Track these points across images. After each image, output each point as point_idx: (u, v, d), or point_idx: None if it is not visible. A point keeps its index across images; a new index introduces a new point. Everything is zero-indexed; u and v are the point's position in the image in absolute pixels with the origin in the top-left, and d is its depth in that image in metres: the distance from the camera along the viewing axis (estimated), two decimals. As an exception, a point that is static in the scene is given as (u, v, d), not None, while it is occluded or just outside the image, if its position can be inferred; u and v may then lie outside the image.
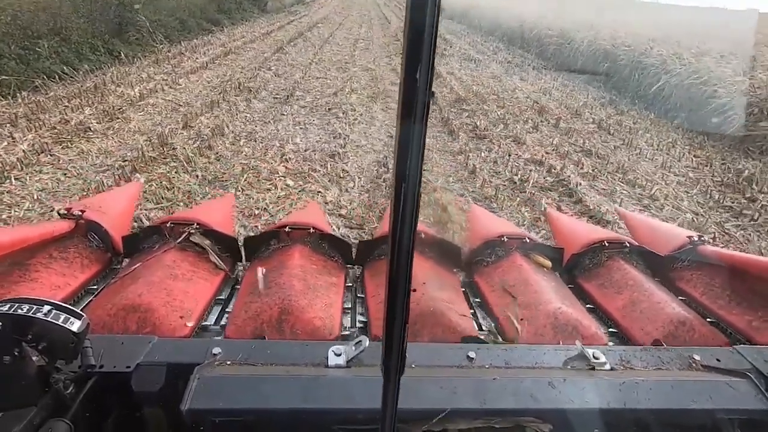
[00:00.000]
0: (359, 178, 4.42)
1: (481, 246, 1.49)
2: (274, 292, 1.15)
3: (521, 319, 1.18)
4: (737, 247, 3.88)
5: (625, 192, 4.67)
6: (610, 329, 1.26)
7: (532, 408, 0.79)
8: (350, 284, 1.40)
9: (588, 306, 1.35)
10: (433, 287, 1.23)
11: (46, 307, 0.72)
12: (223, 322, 1.18)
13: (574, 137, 6.14)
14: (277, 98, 6.89)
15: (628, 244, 1.49)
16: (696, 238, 1.48)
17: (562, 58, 11.79)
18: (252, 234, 2.23)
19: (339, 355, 0.86)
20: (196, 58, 9.04)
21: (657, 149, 5.95)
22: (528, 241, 1.50)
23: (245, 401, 0.76)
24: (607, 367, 0.91)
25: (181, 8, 12.08)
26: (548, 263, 1.46)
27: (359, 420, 0.73)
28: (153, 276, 1.17)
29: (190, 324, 1.09)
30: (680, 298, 1.35)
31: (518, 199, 4.26)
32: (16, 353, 0.70)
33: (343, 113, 6.31)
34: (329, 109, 6.56)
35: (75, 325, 0.73)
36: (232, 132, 5.34)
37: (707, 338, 1.15)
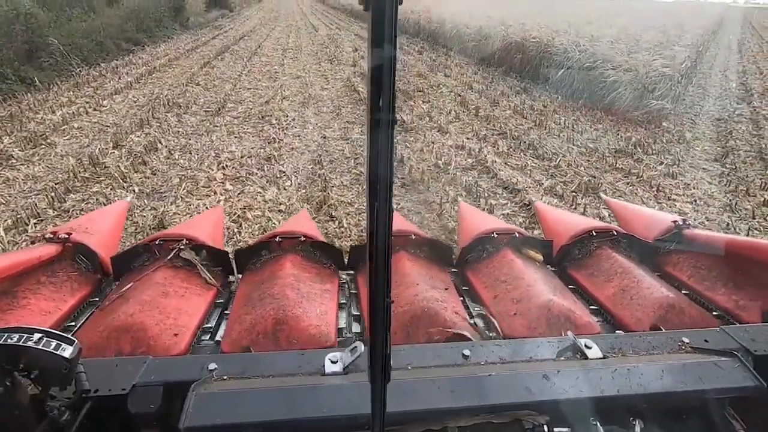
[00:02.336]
0: (295, 176, 4.70)
1: (472, 243, 1.49)
2: (267, 303, 1.14)
3: (514, 314, 1.20)
4: (638, 201, 4.58)
5: (534, 165, 5.30)
6: (602, 318, 1.28)
7: (528, 401, 0.80)
8: (344, 290, 1.39)
9: (579, 296, 1.36)
10: (426, 287, 1.24)
11: (37, 335, 0.71)
12: (218, 337, 1.17)
13: (492, 123, 6.78)
14: (208, 111, 6.98)
15: (615, 233, 1.52)
16: (681, 222, 1.50)
17: (481, 54, 12.70)
18: (243, 246, 2.29)
19: (335, 362, 0.86)
20: (119, 79, 8.85)
21: (563, 127, 6.73)
22: (518, 235, 1.51)
23: (243, 415, 0.76)
24: (600, 355, 0.92)
25: (97, 30, 11.65)
26: (540, 257, 1.47)
27: (358, 425, 0.73)
28: (144, 295, 1.16)
29: (185, 341, 1.08)
30: (669, 282, 1.36)
31: (443, 179, 4.73)
32: (8, 383, 0.69)
33: (276, 120, 6.53)
34: (262, 117, 6.76)
35: (67, 351, 0.72)
36: (166, 147, 5.41)
37: (696, 321, 1.17)
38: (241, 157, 5.16)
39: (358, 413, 0.72)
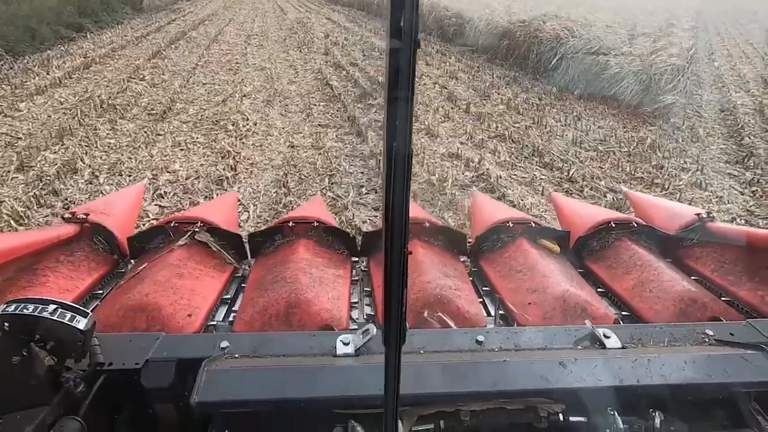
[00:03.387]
0: (254, 206, 3.71)
1: (487, 232, 1.47)
2: (280, 287, 1.14)
3: (529, 303, 1.17)
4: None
5: (544, 177, 4.47)
6: (621, 310, 1.24)
7: (543, 388, 0.78)
8: (356, 276, 1.38)
9: (597, 288, 1.33)
10: (440, 274, 1.22)
11: (52, 306, 0.73)
12: (231, 318, 1.17)
13: (486, 122, 5.90)
14: (151, 115, 5.82)
15: (635, 224, 1.47)
16: (705, 215, 1.44)
17: (463, 39, 11.74)
18: (256, 230, 2.17)
19: (347, 344, 0.85)
20: (47, 74, 7.48)
21: (566, 125, 5.92)
22: (533, 225, 1.47)
23: (254, 392, 0.76)
24: (618, 345, 0.90)
25: (29, 15, 10.10)
26: (557, 248, 1.42)
27: (369, 406, 0.74)
28: (159, 275, 1.16)
29: (199, 321, 1.08)
30: (691, 276, 1.32)
31: (440, 203, 3.84)
32: (24, 353, 0.71)
33: (233, 125, 5.46)
34: (216, 121, 5.66)
35: (81, 323, 0.73)
36: (89, 166, 4.29)
37: (720, 315, 1.13)
38: (186, 179, 4.12)
39: (369, 394, 0.72)
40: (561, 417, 0.79)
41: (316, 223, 1.43)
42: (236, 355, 0.84)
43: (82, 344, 0.74)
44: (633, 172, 4.61)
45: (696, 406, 0.85)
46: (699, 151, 5.24)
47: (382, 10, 17.79)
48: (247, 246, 1.43)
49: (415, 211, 1.63)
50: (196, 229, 1.36)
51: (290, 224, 1.42)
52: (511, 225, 1.47)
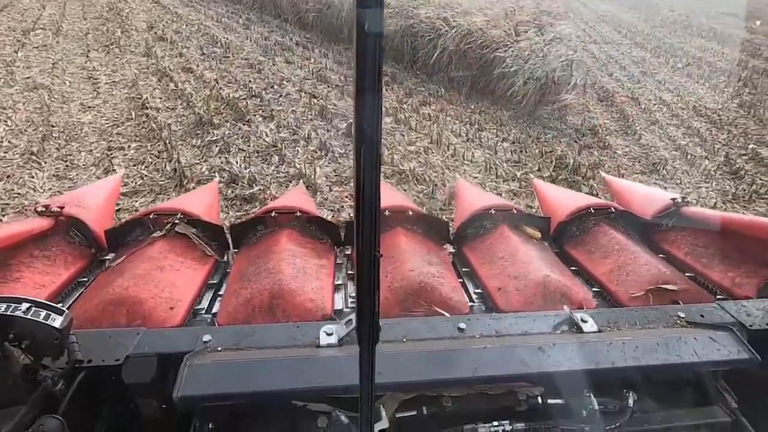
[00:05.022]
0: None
1: (469, 219, 1.48)
2: (263, 277, 1.13)
3: (510, 289, 1.17)
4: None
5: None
6: (599, 294, 1.27)
7: (523, 373, 0.80)
8: (340, 265, 1.36)
9: (576, 272, 1.36)
10: (422, 262, 1.21)
11: (25, 305, 0.71)
12: (214, 310, 1.16)
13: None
14: None
15: (613, 210, 1.50)
16: (679, 200, 1.48)
17: (324, 27, 10.07)
18: (238, 221, 2.01)
19: (330, 334, 0.85)
20: None
21: (468, 140, 4.82)
22: (515, 212, 1.50)
23: (236, 385, 0.75)
24: (595, 329, 0.92)
25: None
26: (538, 234, 1.45)
27: (351, 395, 0.73)
28: (139, 269, 1.14)
29: (181, 314, 1.06)
30: (666, 259, 1.37)
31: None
32: None
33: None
34: None
35: (57, 321, 0.72)
36: None
37: (693, 297, 1.15)
38: None
39: (352, 383, 0.68)
40: (540, 400, 0.83)
41: (299, 213, 1.41)
42: (219, 349, 0.83)
43: (58, 342, 0.73)
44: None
45: (667, 386, 0.90)
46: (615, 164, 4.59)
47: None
48: (229, 237, 1.40)
49: (398, 199, 1.63)
50: (176, 221, 1.32)
51: (273, 214, 1.40)
52: (493, 212, 1.48)
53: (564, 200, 1.68)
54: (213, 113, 4.75)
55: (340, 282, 1.28)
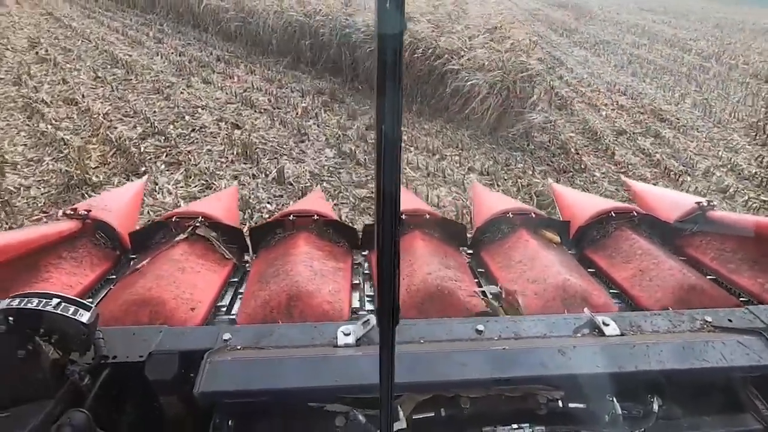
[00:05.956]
0: None
1: (487, 223, 1.48)
2: (281, 279, 1.14)
3: (529, 293, 1.16)
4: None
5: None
6: (620, 298, 1.24)
7: (542, 375, 0.78)
8: (357, 268, 1.38)
9: (597, 277, 1.34)
10: (440, 266, 1.21)
11: (55, 300, 0.74)
12: (233, 312, 1.17)
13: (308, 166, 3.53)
14: None
15: (635, 214, 1.47)
16: (705, 203, 1.44)
17: (250, 37, 8.94)
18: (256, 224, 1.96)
19: (348, 334, 0.86)
20: None
21: (429, 174, 4.01)
22: (533, 216, 1.48)
23: (255, 382, 0.76)
24: (617, 332, 0.90)
25: None
26: (557, 238, 1.43)
27: (369, 394, 0.73)
28: (162, 270, 1.17)
29: (201, 314, 1.08)
30: (691, 264, 1.33)
31: None
32: (29, 347, 0.72)
33: None
34: None
35: (85, 317, 0.74)
36: None
37: (719, 302, 1.12)
38: None
39: (369, 383, 0.70)
40: (560, 403, 0.80)
41: (316, 216, 1.42)
42: (238, 347, 0.84)
43: (86, 337, 0.75)
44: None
45: (694, 392, 0.86)
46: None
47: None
48: (248, 239, 1.42)
49: (416, 203, 1.65)
50: (197, 224, 1.35)
51: (291, 218, 1.41)
52: (511, 216, 1.47)
53: (584, 204, 1.66)
54: (94, 166, 3.56)
55: (357, 283, 1.28)
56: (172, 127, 4.57)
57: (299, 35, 7.82)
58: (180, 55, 7.99)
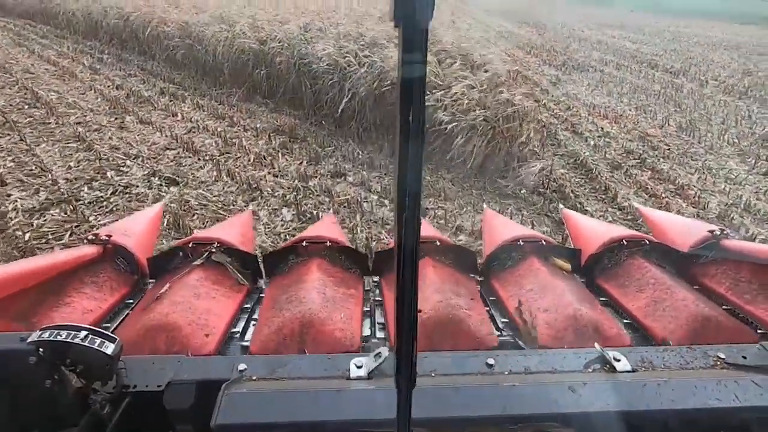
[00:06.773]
0: None
1: (497, 250, 1.46)
2: (294, 306, 1.15)
3: (543, 322, 1.15)
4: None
5: None
6: (633, 330, 1.22)
7: (553, 413, 0.78)
8: (368, 295, 1.38)
9: (608, 307, 1.32)
10: (451, 294, 1.22)
11: (83, 333, 0.76)
12: (246, 337, 1.18)
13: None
14: None
15: (647, 242, 1.44)
16: (719, 232, 1.39)
17: (200, 66, 8.07)
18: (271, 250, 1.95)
19: (360, 367, 0.87)
20: None
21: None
22: (544, 243, 1.47)
23: (271, 415, 0.77)
24: (629, 368, 0.89)
25: None
26: (568, 266, 1.42)
27: (381, 429, 0.75)
28: (178, 296, 1.19)
29: (215, 341, 1.10)
30: (705, 294, 1.31)
31: None
32: (56, 377, 0.75)
33: None
34: None
35: (110, 349, 0.76)
36: None
37: (734, 335, 1.11)
38: None
39: (382, 418, 0.73)
40: None
41: (329, 243, 1.43)
42: (254, 378, 0.86)
43: (109, 368, 0.77)
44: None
45: None
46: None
47: (72, 22, 12.04)
48: (262, 265, 1.43)
49: (426, 229, 1.62)
50: (213, 250, 1.36)
51: (303, 244, 1.42)
52: (521, 243, 1.45)
53: (595, 231, 1.60)
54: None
55: (367, 310, 1.28)
56: (86, 189, 3.65)
57: (253, 64, 7.03)
58: (117, 89, 7.04)
